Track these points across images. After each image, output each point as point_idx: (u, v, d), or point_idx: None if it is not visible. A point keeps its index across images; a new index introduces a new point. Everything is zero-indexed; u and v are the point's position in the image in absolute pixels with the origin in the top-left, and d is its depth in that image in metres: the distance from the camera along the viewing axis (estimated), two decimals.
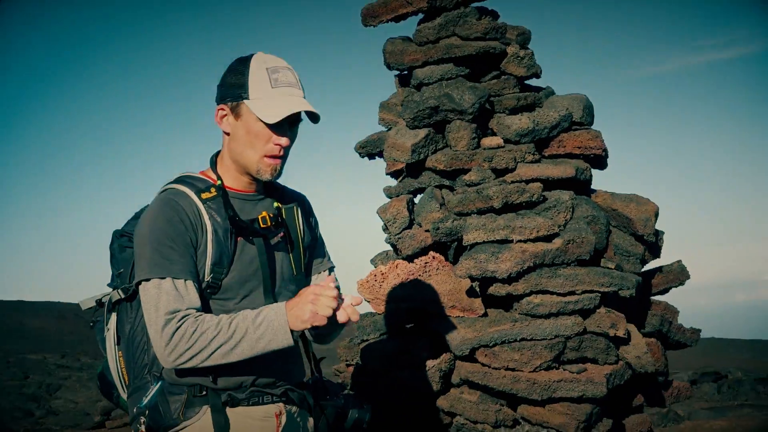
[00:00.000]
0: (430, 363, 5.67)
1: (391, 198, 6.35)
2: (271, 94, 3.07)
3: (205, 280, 3.11)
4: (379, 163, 6.63)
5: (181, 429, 3.12)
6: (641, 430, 5.98)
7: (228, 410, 3.13)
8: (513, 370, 5.45)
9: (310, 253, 3.50)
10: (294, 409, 3.29)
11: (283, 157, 3.17)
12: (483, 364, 5.55)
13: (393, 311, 5.92)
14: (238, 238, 3.16)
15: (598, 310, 5.57)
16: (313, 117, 3.16)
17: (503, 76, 6.33)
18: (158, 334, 2.96)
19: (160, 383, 3.16)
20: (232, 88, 3.13)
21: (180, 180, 3.23)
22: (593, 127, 6.34)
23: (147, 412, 3.13)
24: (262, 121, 3.06)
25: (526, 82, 6.54)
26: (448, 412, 5.67)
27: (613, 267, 5.76)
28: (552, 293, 5.55)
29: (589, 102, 6.31)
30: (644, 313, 6.13)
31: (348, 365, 6.20)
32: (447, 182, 6.15)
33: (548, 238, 5.63)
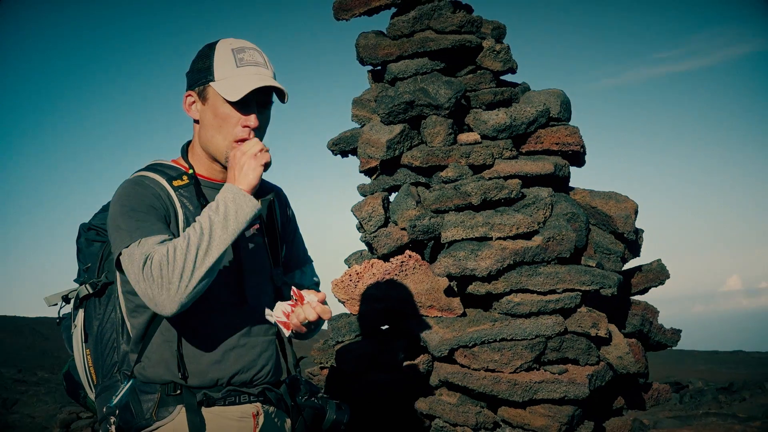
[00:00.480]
0: (407, 364, 5.50)
1: (365, 196, 6.17)
2: (236, 73, 2.96)
3: None
4: (353, 161, 6.47)
5: (154, 430, 2.96)
6: None
7: (203, 410, 2.98)
8: (493, 371, 5.30)
9: (288, 247, 3.38)
10: (271, 409, 3.14)
11: None
12: (462, 365, 5.38)
13: (369, 312, 5.75)
14: None
15: (579, 310, 5.44)
16: (281, 95, 3.02)
17: (479, 71, 6.19)
18: (141, 282, 2.73)
19: (131, 381, 3.02)
20: (199, 73, 3.03)
21: (151, 167, 3.10)
22: (570, 123, 6.22)
23: (117, 411, 2.98)
24: (228, 101, 2.93)
25: (502, 77, 6.40)
26: (427, 415, 5.49)
27: (594, 265, 5.63)
28: (532, 292, 5.41)
29: (566, 97, 6.19)
30: (624, 312, 6.01)
31: (322, 368, 6.00)
32: (423, 179, 5.99)
33: (528, 236, 5.50)
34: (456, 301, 5.56)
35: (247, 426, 3.03)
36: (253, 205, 2.81)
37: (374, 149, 5.94)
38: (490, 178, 5.69)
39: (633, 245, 6.10)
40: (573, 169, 6.23)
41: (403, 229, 5.76)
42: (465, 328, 5.39)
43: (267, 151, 2.85)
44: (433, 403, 5.43)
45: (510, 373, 5.29)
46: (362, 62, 6.37)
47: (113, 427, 2.95)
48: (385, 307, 5.69)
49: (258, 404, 3.07)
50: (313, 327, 3.02)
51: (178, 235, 2.92)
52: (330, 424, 3.30)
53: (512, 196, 5.57)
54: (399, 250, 5.82)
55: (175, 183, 3.01)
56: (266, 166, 2.86)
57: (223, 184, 3.05)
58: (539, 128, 6.02)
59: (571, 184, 6.27)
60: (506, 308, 5.40)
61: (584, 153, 6.17)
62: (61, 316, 3.48)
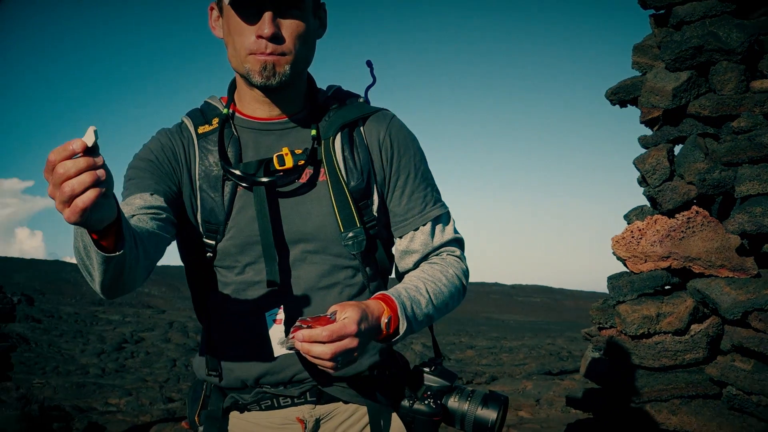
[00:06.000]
0: (695, 327, 5.19)
1: (647, 148, 5.84)
2: None
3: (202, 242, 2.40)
4: (625, 112, 6.15)
5: None
6: None
7: (237, 416, 2.47)
8: None
9: (388, 199, 2.48)
10: (342, 408, 2.44)
11: (283, 53, 2.25)
12: (757, 330, 5.00)
13: (651, 270, 5.46)
14: (239, 188, 2.36)
15: None
16: None
17: None
18: None
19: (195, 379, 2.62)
20: None
21: (196, 109, 2.54)
22: None
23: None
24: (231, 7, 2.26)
25: None
26: (718, 382, 5.16)
27: None
28: None
29: None
30: None
31: (601, 328, 5.78)
32: (710, 130, 5.58)
33: None
34: (750, 261, 5.16)
35: None
36: (83, 244, 1.78)
37: (659, 98, 5.59)
38: None
39: None
40: None
41: (690, 183, 5.41)
42: (760, 289, 4.99)
43: (93, 186, 1.51)
44: (725, 369, 5.09)
45: None
46: (644, 6, 5.99)
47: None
48: (670, 266, 5.39)
49: (305, 407, 2.41)
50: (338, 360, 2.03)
51: (192, 202, 2.37)
52: (472, 425, 2.35)
53: None
54: (685, 206, 5.47)
55: (201, 129, 2.42)
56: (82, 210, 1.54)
57: (275, 124, 2.42)
58: None
59: None
60: None
61: None
62: None
